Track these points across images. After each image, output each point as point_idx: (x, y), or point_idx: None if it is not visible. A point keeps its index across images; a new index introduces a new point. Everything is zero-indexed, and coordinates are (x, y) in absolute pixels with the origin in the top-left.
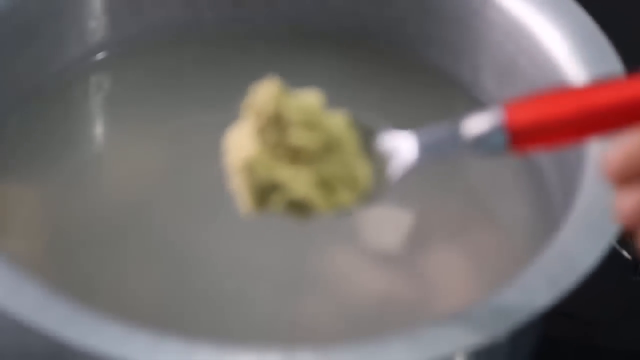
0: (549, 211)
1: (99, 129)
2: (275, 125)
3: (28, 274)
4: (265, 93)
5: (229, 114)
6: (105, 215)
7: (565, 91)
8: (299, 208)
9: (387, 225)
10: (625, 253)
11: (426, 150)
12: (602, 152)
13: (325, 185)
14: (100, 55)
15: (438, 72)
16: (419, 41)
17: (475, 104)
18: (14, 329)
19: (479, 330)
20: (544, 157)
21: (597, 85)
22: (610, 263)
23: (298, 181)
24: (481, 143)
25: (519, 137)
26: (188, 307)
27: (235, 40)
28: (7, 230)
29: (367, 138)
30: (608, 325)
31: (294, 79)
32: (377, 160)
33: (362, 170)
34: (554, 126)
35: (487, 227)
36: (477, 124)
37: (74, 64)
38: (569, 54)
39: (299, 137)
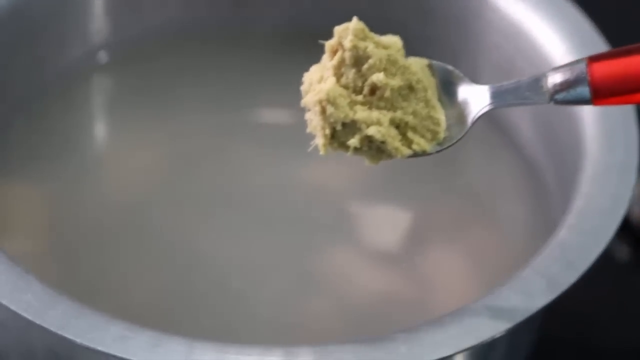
0: (548, 211)
1: (100, 130)
2: (355, 64)
3: (29, 273)
4: (346, 31)
5: (230, 114)
6: (106, 215)
7: None
8: (374, 149)
9: (386, 225)
10: (623, 253)
11: (504, 97)
12: None
13: (403, 126)
14: (101, 56)
15: None
16: (418, 42)
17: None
18: (15, 329)
19: (478, 330)
20: (544, 157)
21: None
22: (609, 263)
23: (375, 121)
24: (563, 94)
25: (601, 91)
26: (188, 307)
27: (235, 40)
28: (8, 229)
29: (446, 82)
30: (607, 324)
31: (294, 79)
32: (454, 105)
33: (440, 115)
34: (636, 82)
35: (487, 227)
36: (560, 75)
37: (75, 64)
38: (566, 55)
39: (379, 77)
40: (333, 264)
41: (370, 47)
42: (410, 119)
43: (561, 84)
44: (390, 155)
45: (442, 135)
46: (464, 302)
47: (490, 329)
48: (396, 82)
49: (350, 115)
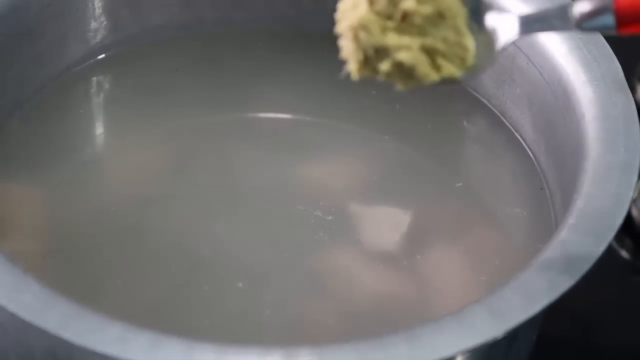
0: (548, 211)
1: (99, 129)
2: None
3: (28, 274)
4: None
5: (230, 114)
6: (106, 215)
7: None
8: (404, 73)
9: (386, 225)
10: (624, 253)
11: (531, 25)
12: None
13: (433, 52)
14: (100, 56)
15: None
16: None
17: (475, 104)
18: (14, 329)
19: (478, 330)
20: (545, 157)
21: None
22: (610, 263)
23: (406, 46)
24: (589, 22)
25: (627, 18)
26: (188, 307)
27: (235, 40)
28: (7, 229)
29: (476, 10)
30: (607, 325)
31: (294, 79)
32: (483, 33)
33: (469, 41)
34: None
35: (487, 227)
36: (586, 3)
37: (74, 64)
38: (567, 54)
39: (410, 4)
40: (333, 264)
41: None
42: (439, 45)
43: (587, 12)
44: (420, 80)
45: (470, 61)
46: (465, 303)
47: (491, 329)
48: (427, 9)
49: (382, 40)
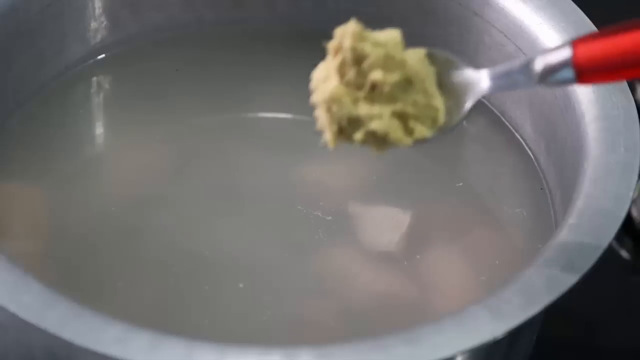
0: (548, 211)
1: (99, 130)
2: (355, 63)
3: (28, 274)
4: (343, 32)
5: (229, 114)
6: (106, 215)
7: (631, 25)
8: (378, 140)
9: (386, 225)
10: (624, 253)
11: (499, 81)
12: None
13: (404, 117)
14: (100, 56)
15: None
16: (419, 41)
17: (476, 103)
18: (14, 330)
19: (478, 331)
20: (545, 157)
21: None
22: (610, 263)
23: (378, 115)
24: (551, 77)
25: (586, 71)
26: (188, 307)
27: (235, 40)
28: (7, 229)
29: (443, 70)
30: (608, 325)
31: (294, 79)
32: (452, 91)
33: (439, 102)
34: (619, 61)
35: (487, 227)
36: (547, 60)
37: (74, 64)
38: None
39: (378, 75)
40: (333, 264)
41: (368, 47)
42: (410, 109)
43: (547, 67)
44: (394, 145)
45: (441, 121)
46: (464, 303)
47: (491, 329)
48: (394, 77)
49: (354, 111)
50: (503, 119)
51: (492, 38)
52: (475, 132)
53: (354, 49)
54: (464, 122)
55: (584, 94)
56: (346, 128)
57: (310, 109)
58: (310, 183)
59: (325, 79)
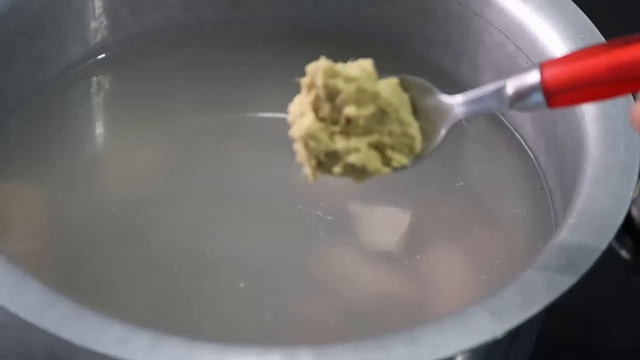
0: (548, 211)
1: (99, 129)
2: (328, 98)
3: (28, 274)
4: (315, 69)
5: (229, 114)
6: (106, 215)
7: (597, 49)
8: (357, 171)
9: (386, 225)
10: (624, 253)
11: (472, 106)
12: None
13: (381, 148)
14: (100, 56)
15: (438, 72)
16: (419, 41)
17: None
18: (14, 329)
19: (478, 331)
20: (545, 157)
21: (628, 42)
22: (610, 263)
23: (355, 148)
24: (522, 101)
25: (555, 95)
26: (188, 307)
27: (235, 40)
28: (7, 229)
29: (417, 96)
30: (608, 325)
31: (293, 79)
32: (428, 116)
33: (414, 130)
34: (587, 84)
35: (487, 227)
36: (517, 84)
37: (74, 64)
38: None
39: (351, 110)
40: (333, 264)
41: (340, 83)
42: (386, 139)
43: (517, 91)
44: (373, 175)
45: (418, 148)
46: (464, 303)
47: (491, 329)
48: (368, 110)
49: (331, 146)
50: (503, 119)
51: (492, 38)
52: (475, 132)
53: (326, 86)
54: (464, 122)
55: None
56: (325, 162)
57: None
58: (310, 183)
59: (301, 114)
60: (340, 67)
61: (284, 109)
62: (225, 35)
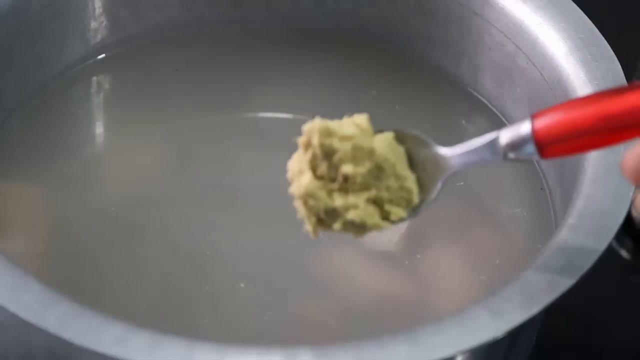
0: (548, 211)
1: (99, 129)
2: (325, 157)
3: (28, 274)
4: (311, 129)
5: (230, 114)
6: (106, 215)
7: (588, 99)
8: (357, 227)
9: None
10: (624, 253)
11: (467, 158)
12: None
13: (379, 202)
14: (100, 56)
15: (438, 72)
16: (419, 41)
17: (476, 103)
18: (14, 329)
19: (478, 331)
20: None
21: (618, 92)
22: (610, 263)
23: (353, 205)
24: (515, 152)
25: (547, 146)
26: (187, 307)
27: (235, 40)
28: (7, 229)
29: (413, 147)
30: (607, 325)
31: (294, 79)
32: (424, 167)
33: (411, 183)
34: (578, 134)
35: (487, 227)
36: (509, 135)
37: (74, 64)
38: (567, 54)
39: (348, 168)
40: (333, 264)
41: (336, 142)
42: (384, 194)
43: (510, 143)
44: (372, 230)
45: (415, 200)
46: (464, 303)
47: (491, 329)
48: (364, 167)
49: (330, 204)
50: (503, 119)
51: (492, 38)
52: (475, 132)
53: (322, 145)
54: (463, 121)
55: (584, 94)
56: (324, 219)
57: (310, 109)
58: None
59: (299, 172)
60: (335, 125)
61: (283, 108)
62: (225, 35)
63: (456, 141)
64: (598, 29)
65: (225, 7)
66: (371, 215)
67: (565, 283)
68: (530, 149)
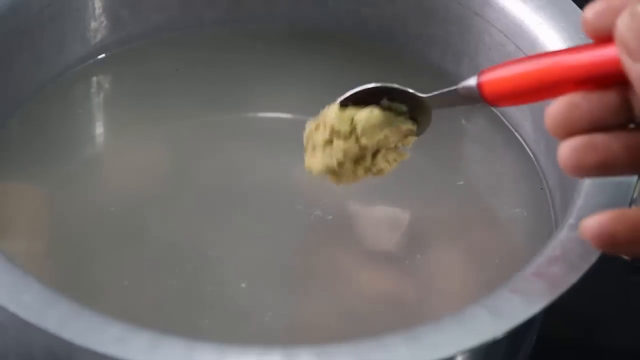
0: (548, 211)
1: (99, 130)
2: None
3: (28, 274)
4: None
5: (230, 114)
6: (106, 215)
7: (528, 57)
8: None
9: (386, 225)
10: None
11: (437, 99)
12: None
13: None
14: (100, 56)
15: (438, 72)
16: (419, 41)
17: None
18: (14, 329)
19: (478, 331)
20: (545, 157)
21: (554, 53)
22: (610, 263)
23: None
24: (468, 96)
25: (490, 98)
26: (188, 306)
27: (235, 40)
28: (7, 229)
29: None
30: (607, 324)
31: (294, 79)
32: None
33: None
34: (515, 85)
35: (487, 227)
36: (465, 83)
37: (74, 64)
38: None
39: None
40: (333, 264)
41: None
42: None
43: (465, 90)
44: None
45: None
46: (464, 303)
47: (491, 329)
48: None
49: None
50: (503, 119)
51: (492, 38)
52: (475, 132)
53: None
54: (463, 121)
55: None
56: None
57: (310, 109)
58: (310, 183)
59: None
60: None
61: (283, 109)
62: (225, 35)
63: (455, 141)
64: None
65: (224, 7)
66: (387, 163)
67: (565, 283)
68: (479, 99)
